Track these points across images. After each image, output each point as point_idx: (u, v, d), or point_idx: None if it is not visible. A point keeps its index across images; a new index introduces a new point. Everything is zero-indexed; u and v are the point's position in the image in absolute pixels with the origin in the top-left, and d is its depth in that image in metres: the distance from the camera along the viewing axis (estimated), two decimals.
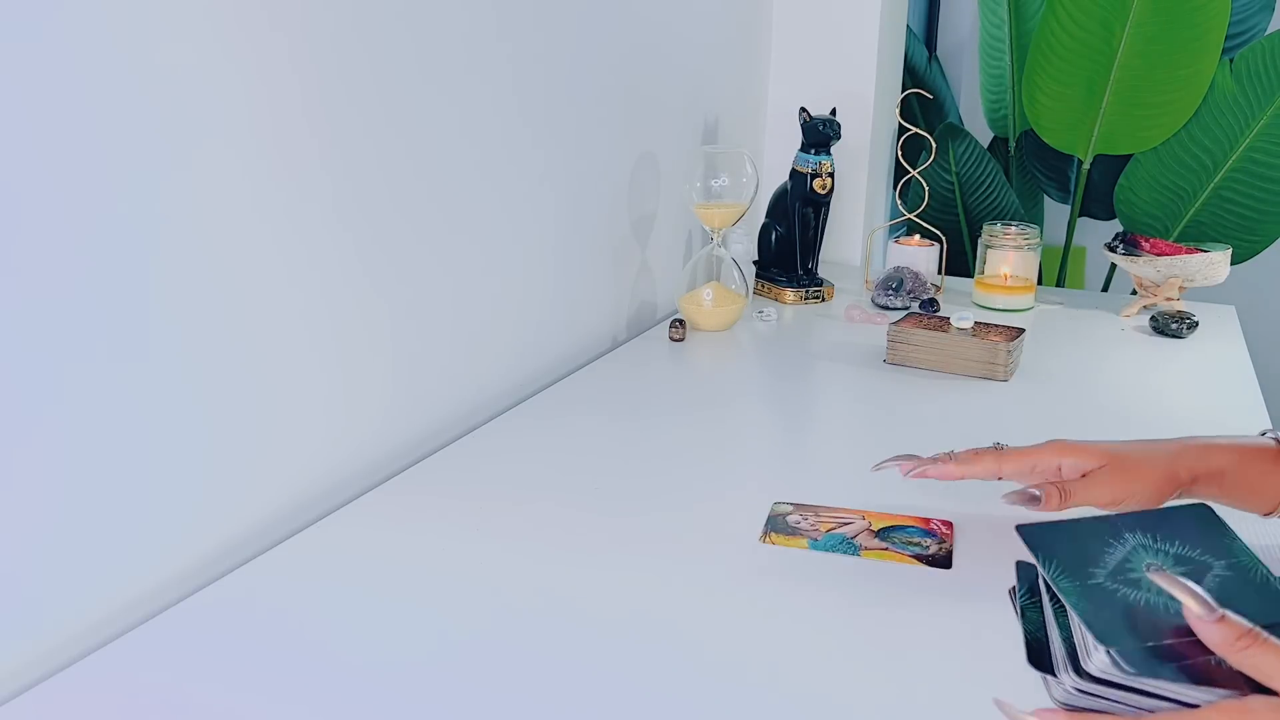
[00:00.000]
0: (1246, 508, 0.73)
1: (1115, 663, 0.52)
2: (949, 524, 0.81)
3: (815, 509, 0.84)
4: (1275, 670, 0.50)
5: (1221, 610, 0.51)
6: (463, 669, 0.63)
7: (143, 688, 0.61)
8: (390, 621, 0.68)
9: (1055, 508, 0.73)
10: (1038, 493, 0.73)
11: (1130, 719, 0.52)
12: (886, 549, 0.77)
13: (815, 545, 0.78)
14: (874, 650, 0.65)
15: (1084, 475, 0.74)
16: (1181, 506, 0.67)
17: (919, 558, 0.76)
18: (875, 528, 0.80)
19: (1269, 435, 0.75)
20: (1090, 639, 0.54)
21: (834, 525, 0.81)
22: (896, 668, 0.62)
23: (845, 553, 0.77)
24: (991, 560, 0.75)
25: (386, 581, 0.73)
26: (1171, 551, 0.61)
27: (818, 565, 0.75)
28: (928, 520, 0.82)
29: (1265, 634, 0.51)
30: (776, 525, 0.81)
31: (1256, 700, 0.50)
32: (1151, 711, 0.52)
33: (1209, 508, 0.66)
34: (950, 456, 0.78)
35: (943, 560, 0.76)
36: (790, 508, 0.84)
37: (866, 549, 0.77)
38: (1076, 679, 0.53)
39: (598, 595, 0.71)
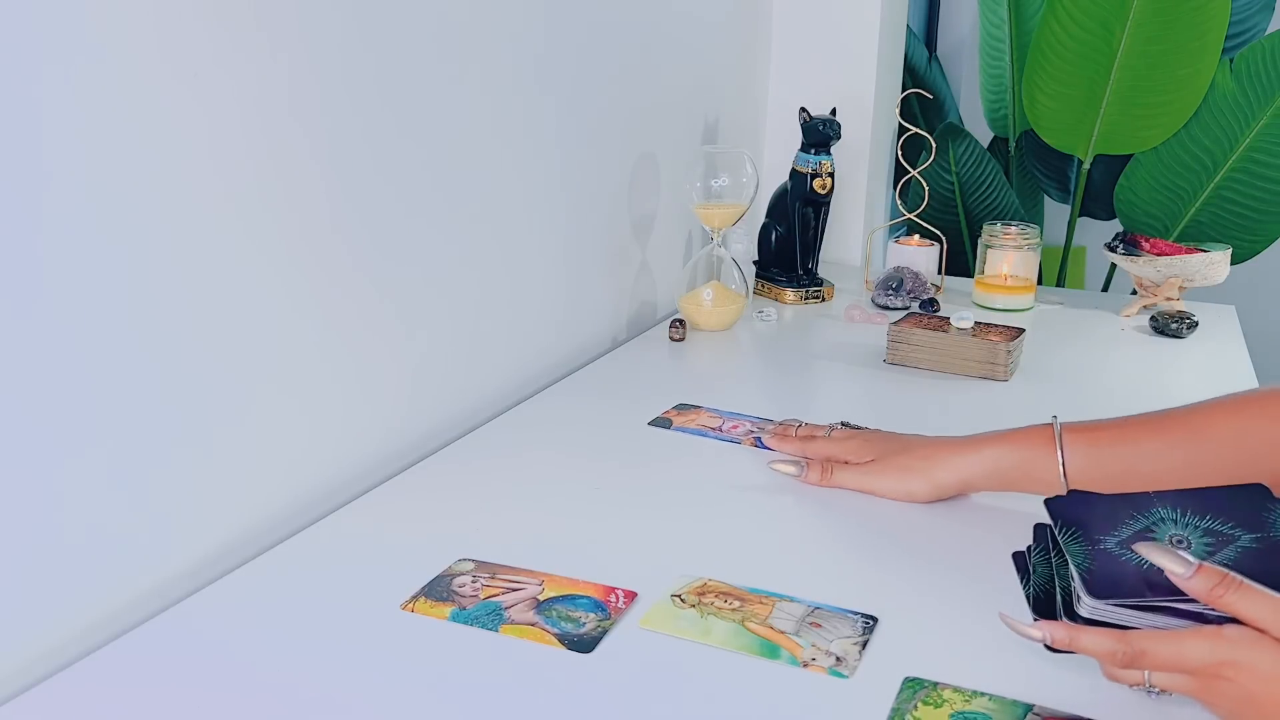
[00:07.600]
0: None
1: (1101, 601, 0.57)
2: (632, 595, 0.70)
3: (496, 569, 0.74)
4: (1251, 609, 0.53)
5: (1198, 562, 0.55)
6: (461, 667, 0.63)
7: (143, 688, 0.61)
8: (390, 620, 0.68)
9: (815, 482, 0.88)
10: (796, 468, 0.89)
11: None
12: (533, 625, 0.66)
13: (457, 616, 0.68)
14: None
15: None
16: (1231, 486, 0.65)
17: (562, 638, 0.65)
18: (544, 596, 0.70)
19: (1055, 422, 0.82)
20: (1081, 586, 0.58)
21: (500, 591, 0.70)
22: None
23: (485, 627, 0.67)
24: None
25: (387, 581, 0.73)
26: (1201, 525, 0.62)
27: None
28: (610, 590, 0.71)
29: (1240, 578, 0.54)
30: (434, 588, 0.71)
31: (1231, 628, 0.54)
32: None
33: (1265, 487, 0.64)
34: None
35: (586, 644, 0.65)
36: (471, 565, 0.74)
37: (511, 623, 0.67)
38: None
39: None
